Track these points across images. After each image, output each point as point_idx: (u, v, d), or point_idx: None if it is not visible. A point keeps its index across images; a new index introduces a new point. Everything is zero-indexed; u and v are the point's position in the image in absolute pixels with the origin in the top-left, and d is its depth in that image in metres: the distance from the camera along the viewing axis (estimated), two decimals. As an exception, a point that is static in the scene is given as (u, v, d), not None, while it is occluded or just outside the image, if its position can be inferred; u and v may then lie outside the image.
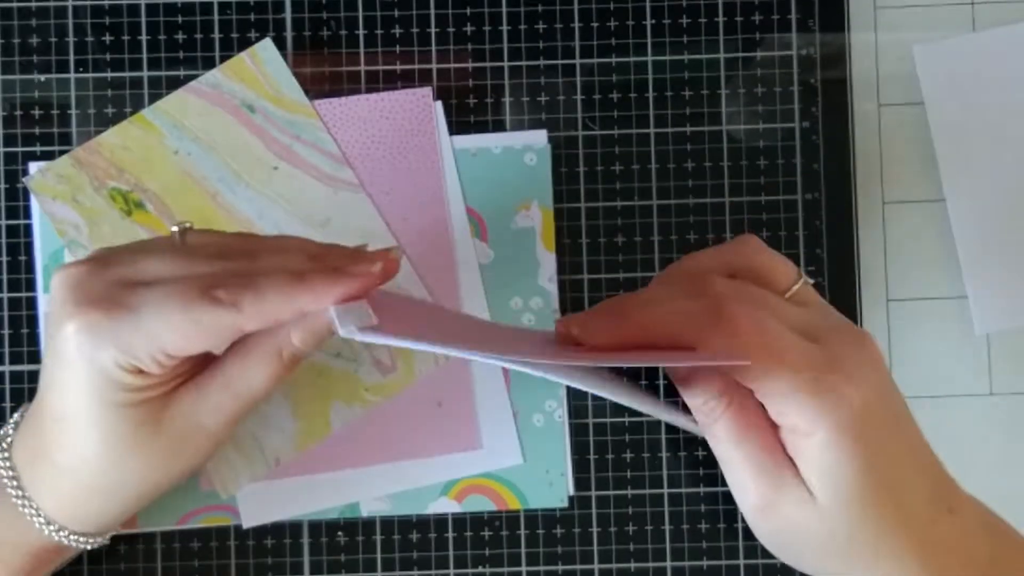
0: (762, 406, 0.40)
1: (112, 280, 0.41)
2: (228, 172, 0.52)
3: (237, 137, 0.52)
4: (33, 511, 0.44)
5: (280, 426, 0.52)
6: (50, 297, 0.41)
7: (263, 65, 0.52)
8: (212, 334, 0.40)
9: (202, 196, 0.52)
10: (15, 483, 0.44)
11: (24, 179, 0.53)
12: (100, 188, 0.52)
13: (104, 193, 0.52)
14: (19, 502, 0.44)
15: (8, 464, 0.45)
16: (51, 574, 0.48)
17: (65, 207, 0.52)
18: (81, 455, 0.43)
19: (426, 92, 0.53)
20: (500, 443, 0.53)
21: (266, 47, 0.51)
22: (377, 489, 0.53)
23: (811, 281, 0.43)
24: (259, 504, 0.53)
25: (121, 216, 0.52)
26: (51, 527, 0.45)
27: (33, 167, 0.52)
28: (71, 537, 0.45)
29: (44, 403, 0.43)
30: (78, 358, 0.40)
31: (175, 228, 0.43)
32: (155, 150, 0.52)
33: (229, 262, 0.41)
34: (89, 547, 0.47)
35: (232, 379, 0.43)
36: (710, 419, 0.41)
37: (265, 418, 0.52)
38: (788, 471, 0.40)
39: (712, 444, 0.41)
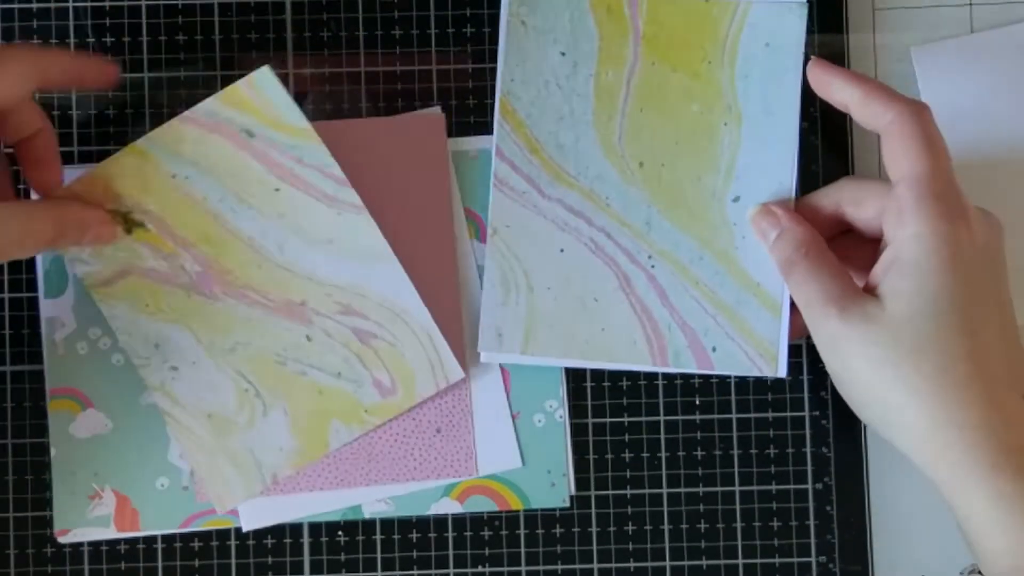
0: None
1: None
2: (229, 194, 0.51)
3: (237, 161, 0.51)
4: None
5: (278, 444, 0.52)
6: None
7: (262, 92, 0.50)
8: None
9: (204, 216, 0.51)
10: None
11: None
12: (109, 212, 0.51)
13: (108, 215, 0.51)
14: None
15: None
16: None
17: None
18: None
19: (438, 118, 0.53)
20: (499, 448, 0.53)
21: (264, 75, 0.50)
22: (379, 492, 0.53)
23: None
24: (259, 509, 0.53)
25: (122, 233, 0.51)
26: None
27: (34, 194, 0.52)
28: None
29: None
30: None
31: None
32: (152, 176, 0.51)
33: None
34: None
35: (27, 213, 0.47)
36: (791, 262, 0.47)
37: (263, 435, 0.52)
38: (859, 293, 0.44)
39: (793, 289, 0.47)
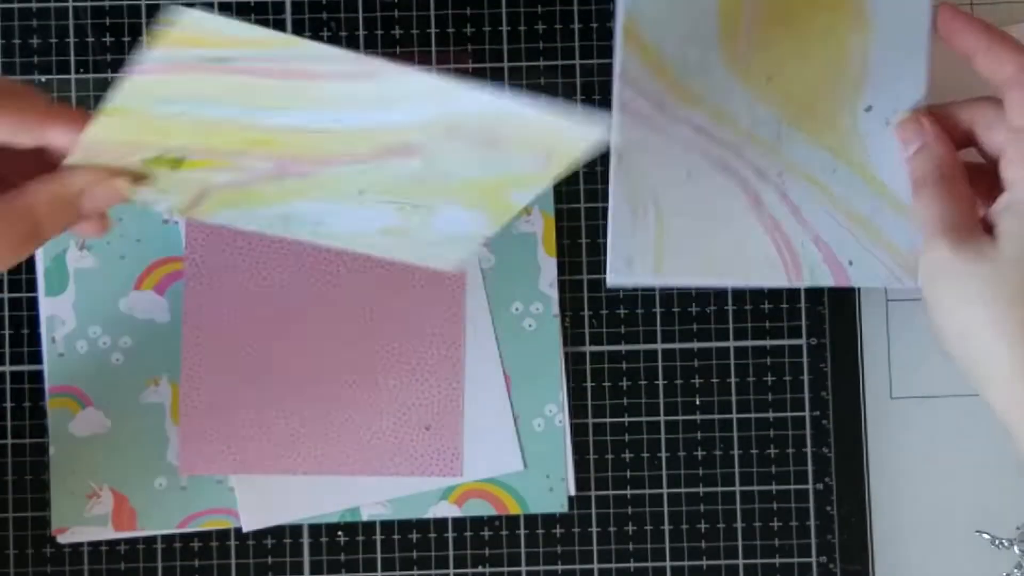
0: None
1: None
2: (245, 109, 0.42)
3: (231, 82, 0.41)
4: None
5: (462, 222, 0.48)
6: None
7: (200, 23, 0.38)
8: None
9: (239, 131, 0.43)
10: None
11: None
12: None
13: (141, 164, 0.44)
14: None
15: None
16: None
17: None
18: None
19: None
20: (500, 449, 0.53)
21: (186, 11, 0.38)
22: (377, 494, 0.53)
23: None
24: (259, 508, 0.53)
25: (167, 172, 0.44)
26: None
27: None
28: None
29: None
30: None
31: None
32: (151, 121, 0.42)
33: None
34: None
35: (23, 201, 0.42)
36: (920, 186, 0.47)
37: (446, 221, 0.48)
38: (976, 228, 0.45)
39: (919, 207, 0.47)
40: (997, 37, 0.47)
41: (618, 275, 0.49)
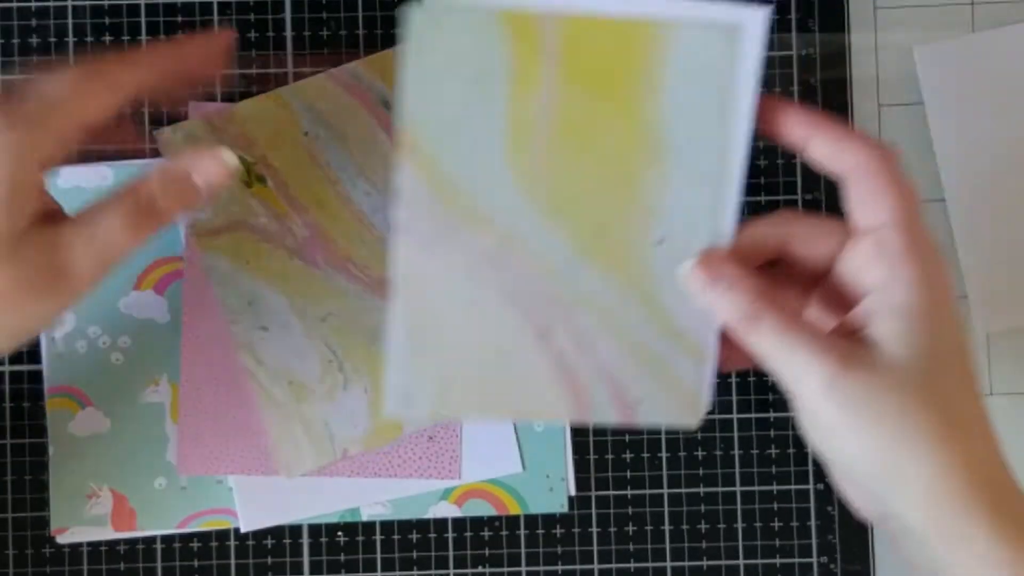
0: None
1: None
2: (351, 163, 0.52)
3: (367, 130, 0.52)
4: None
5: (353, 420, 0.51)
6: None
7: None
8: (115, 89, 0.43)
9: (322, 182, 0.52)
10: None
11: (155, 132, 0.53)
12: None
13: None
14: None
15: None
16: None
17: None
18: None
19: None
20: (500, 451, 0.53)
21: None
22: (377, 494, 0.53)
23: None
24: (258, 509, 0.53)
25: (241, 186, 0.52)
26: None
27: (166, 128, 0.53)
28: None
29: None
30: None
31: None
32: (286, 129, 0.52)
33: None
34: None
35: (95, 223, 0.43)
36: (754, 318, 0.42)
37: (340, 409, 0.51)
38: (849, 341, 0.41)
39: (755, 347, 0.42)
40: (831, 128, 0.42)
41: (396, 407, 0.46)
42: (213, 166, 0.44)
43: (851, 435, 0.41)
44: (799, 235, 0.44)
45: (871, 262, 0.42)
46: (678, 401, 0.46)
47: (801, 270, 0.44)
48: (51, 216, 0.43)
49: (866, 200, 0.42)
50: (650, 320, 0.46)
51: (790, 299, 0.45)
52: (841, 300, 0.43)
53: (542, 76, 0.44)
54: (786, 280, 0.45)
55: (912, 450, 0.40)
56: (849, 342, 0.41)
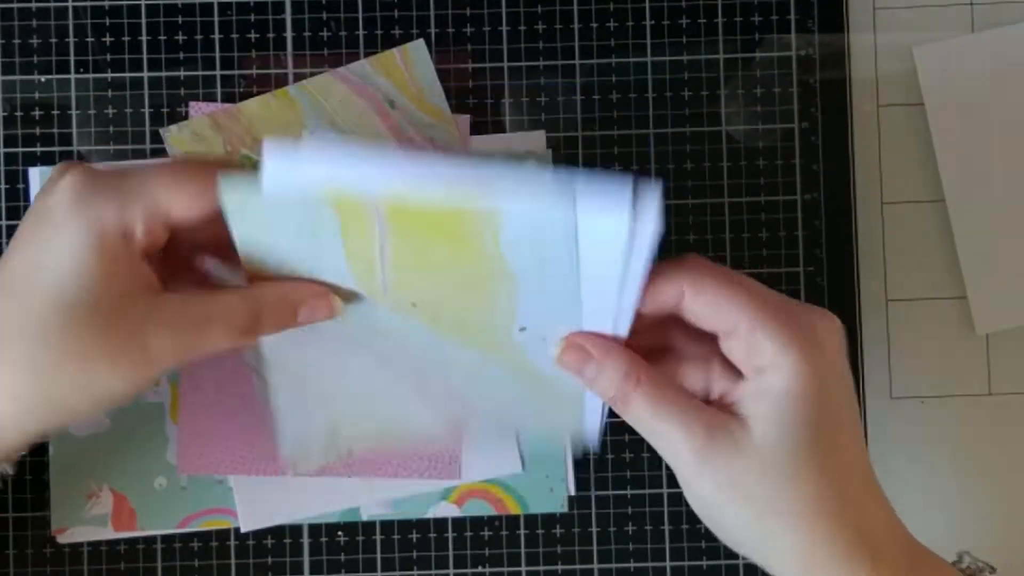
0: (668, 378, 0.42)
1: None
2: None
3: (372, 129, 0.52)
4: None
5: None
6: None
7: (412, 65, 0.52)
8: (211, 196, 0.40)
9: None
10: None
11: (162, 131, 0.53)
12: (232, 153, 0.53)
13: (235, 159, 0.53)
14: None
15: None
16: None
17: None
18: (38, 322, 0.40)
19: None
20: (500, 451, 0.53)
21: (418, 47, 0.52)
22: (377, 494, 0.53)
23: None
24: (258, 509, 0.53)
25: None
26: None
27: (172, 126, 0.53)
28: None
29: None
30: (69, 211, 0.40)
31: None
32: (291, 127, 0.53)
33: None
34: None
35: (190, 314, 0.41)
36: (624, 397, 0.41)
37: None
38: (720, 417, 0.41)
39: (634, 422, 0.42)
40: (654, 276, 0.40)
41: (294, 456, 0.50)
42: (324, 309, 0.43)
43: (725, 509, 0.41)
44: (686, 308, 0.42)
45: (738, 347, 0.41)
46: (560, 432, 0.50)
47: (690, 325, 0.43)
48: (151, 289, 0.42)
49: (714, 312, 0.41)
50: (520, 375, 0.45)
51: (696, 350, 0.43)
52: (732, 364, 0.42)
53: (374, 233, 0.40)
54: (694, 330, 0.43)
55: (782, 528, 0.41)
56: (720, 415, 0.41)
